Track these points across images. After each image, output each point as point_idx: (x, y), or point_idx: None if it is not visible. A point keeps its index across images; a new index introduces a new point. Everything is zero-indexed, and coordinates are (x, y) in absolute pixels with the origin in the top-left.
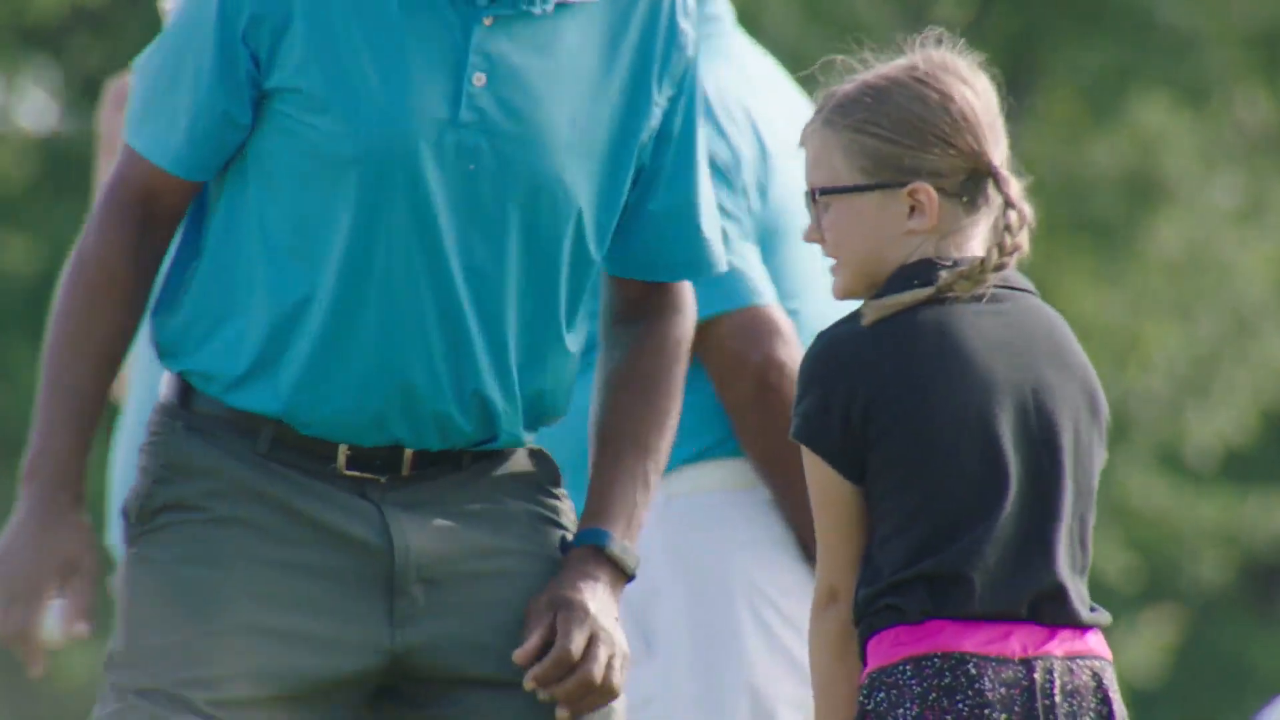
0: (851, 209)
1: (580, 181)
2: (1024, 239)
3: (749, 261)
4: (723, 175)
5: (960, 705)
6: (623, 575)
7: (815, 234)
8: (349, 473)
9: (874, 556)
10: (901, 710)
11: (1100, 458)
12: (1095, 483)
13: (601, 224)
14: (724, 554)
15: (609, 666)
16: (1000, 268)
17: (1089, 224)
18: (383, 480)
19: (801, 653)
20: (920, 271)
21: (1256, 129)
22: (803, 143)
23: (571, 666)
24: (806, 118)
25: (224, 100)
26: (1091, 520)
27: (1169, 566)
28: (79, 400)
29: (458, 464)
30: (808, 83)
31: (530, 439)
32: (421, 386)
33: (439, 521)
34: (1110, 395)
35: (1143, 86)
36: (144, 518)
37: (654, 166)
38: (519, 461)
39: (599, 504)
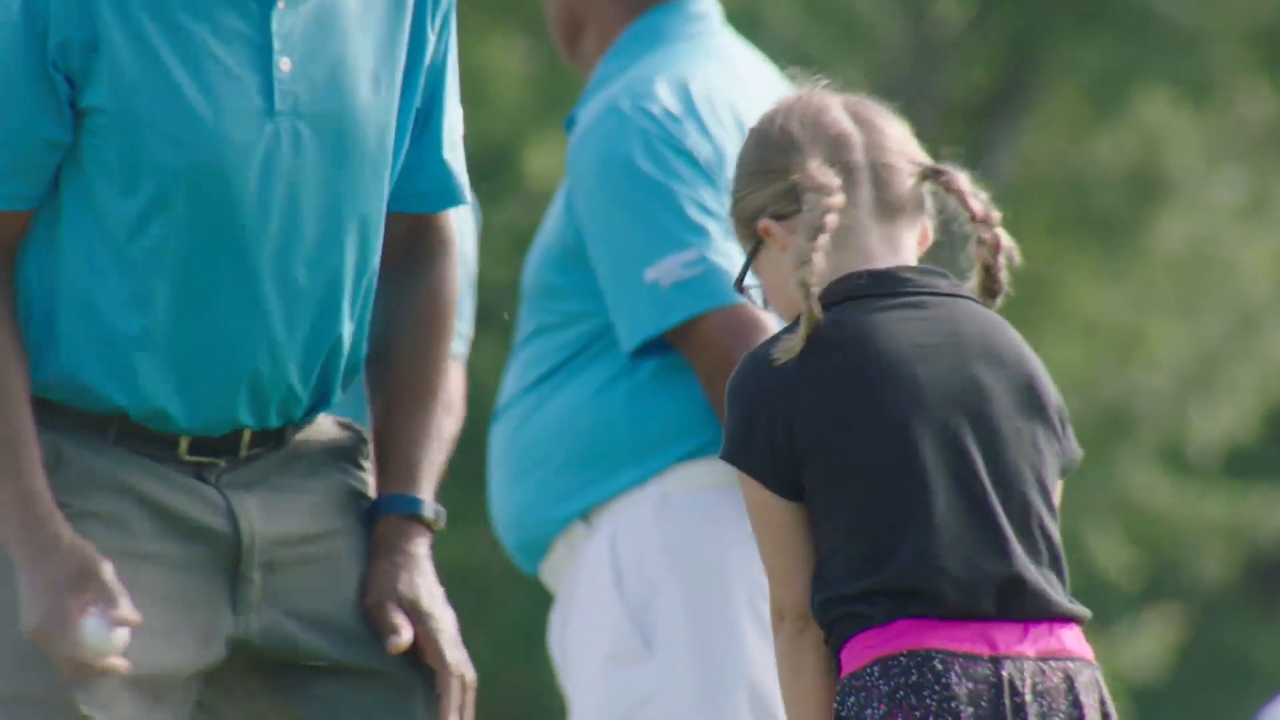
0: (760, 272)
1: (388, 136)
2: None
3: (732, 259)
4: (706, 173)
5: (929, 700)
6: (425, 527)
7: (754, 293)
8: (189, 458)
9: (822, 570)
10: (869, 711)
11: (1051, 448)
12: (1046, 474)
13: (382, 185)
14: (721, 551)
15: (467, 659)
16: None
17: (1092, 221)
18: (222, 464)
19: None
20: (850, 290)
21: (1259, 125)
22: None
23: (468, 686)
24: None
25: (47, 127)
26: (1046, 512)
27: (1172, 564)
28: (9, 443)
29: (281, 439)
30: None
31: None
32: (266, 372)
33: (273, 504)
34: (1113, 392)
35: (1145, 83)
36: None
37: (421, 103)
38: (331, 433)
39: (403, 465)
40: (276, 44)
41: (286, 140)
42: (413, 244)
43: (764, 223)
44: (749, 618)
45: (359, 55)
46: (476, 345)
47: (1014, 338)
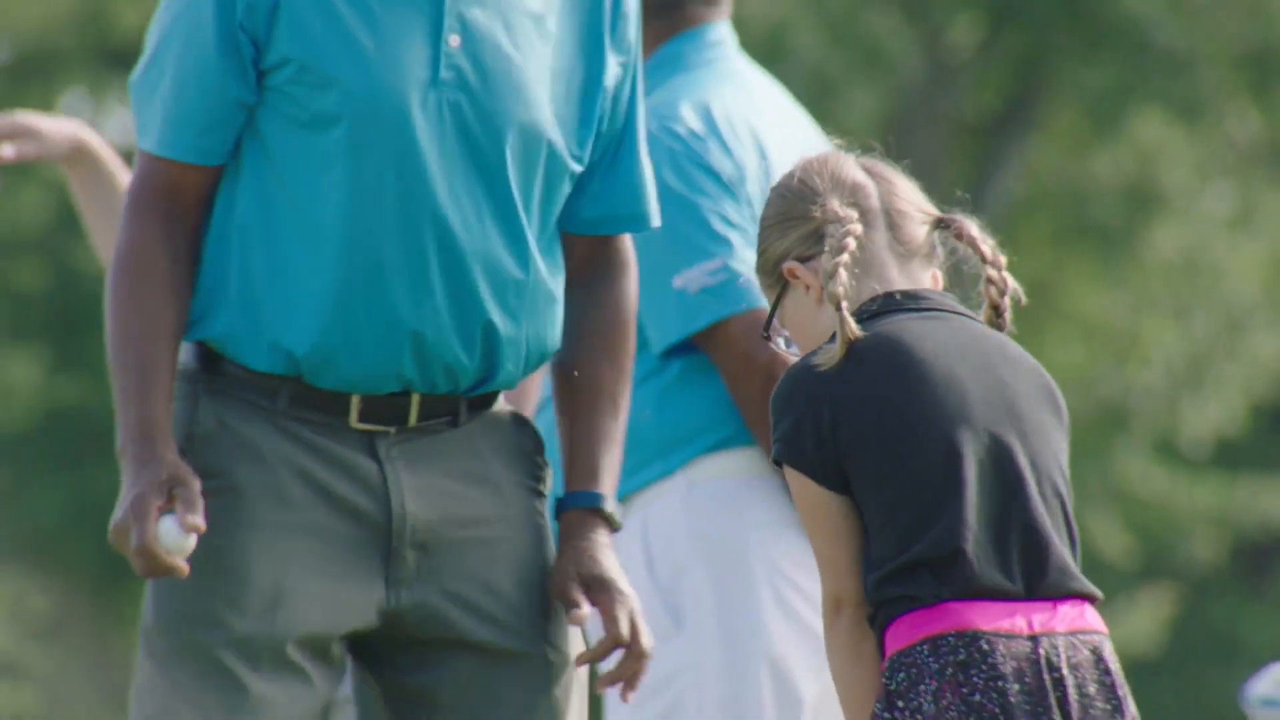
0: (785, 315)
1: (552, 129)
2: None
3: (753, 267)
4: (728, 188)
5: (975, 679)
6: (611, 530)
7: (779, 338)
8: (360, 425)
9: (871, 551)
10: (922, 686)
11: (1063, 445)
12: (1064, 465)
13: (567, 172)
14: (743, 535)
15: (646, 634)
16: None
17: (1092, 230)
18: (392, 432)
19: (816, 623)
20: (875, 310)
21: (1246, 143)
22: None
23: (636, 655)
24: (807, 131)
25: (235, 87)
26: (1069, 498)
27: (1165, 547)
28: (146, 373)
29: (455, 418)
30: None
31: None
32: (429, 331)
33: (434, 487)
34: (1111, 389)
35: (1141, 103)
36: None
37: (608, 130)
38: (506, 426)
39: (587, 465)
40: (447, 21)
41: (447, 109)
42: (596, 263)
43: (789, 264)
44: (769, 597)
45: (532, 52)
46: None
47: (1023, 351)
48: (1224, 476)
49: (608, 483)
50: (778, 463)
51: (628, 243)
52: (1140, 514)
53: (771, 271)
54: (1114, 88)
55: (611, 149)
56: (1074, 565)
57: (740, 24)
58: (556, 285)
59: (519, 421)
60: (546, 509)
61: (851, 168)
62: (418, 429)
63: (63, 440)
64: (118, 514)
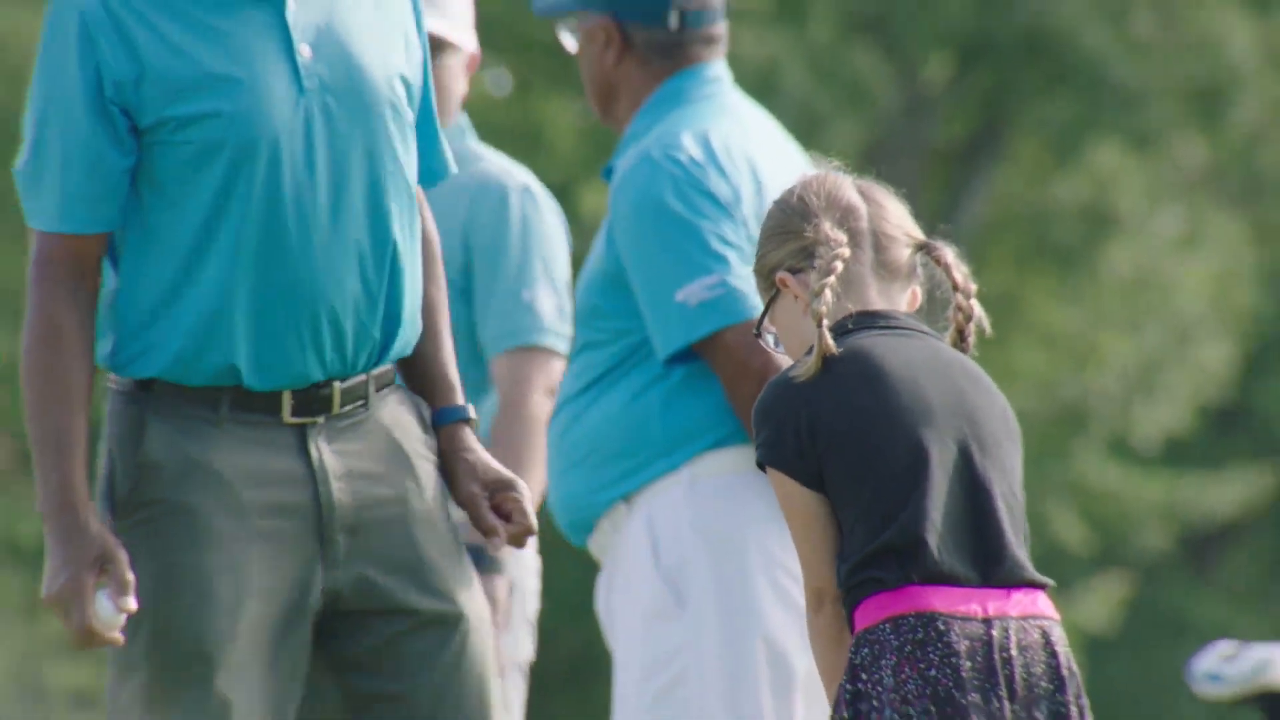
0: (775, 320)
1: (400, 105)
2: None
3: (748, 282)
4: (726, 210)
5: (932, 655)
6: (472, 421)
7: (769, 335)
8: (293, 420)
9: (846, 541)
10: (883, 661)
11: (1016, 454)
12: (1018, 471)
13: (409, 138)
14: (741, 526)
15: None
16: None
17: (1053, 249)
18: (320, 421)
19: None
20: (848, 326)
21: (1194, 170)
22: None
23: (527, 529)
24: (797, 159)
25: (114, 156)
26: (1021, 499)
27: (1119, 537)
28: (63, 438)
29: (365, 400)
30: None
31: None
32: (341, 314)
33: (355, 472)
34: (1070, 394)
35: (1097, 134)
36: (129, 511)
37: (420, 93)
38: (403, 403)
39: (446, 381)
40: (294, 35)
41: (318, 113)
42: None
43: (781, 275)
44: (765, 581)
45: (361, 36)
46: None
47: (982, 371)
48: (1172, 473)
49: (461, 393)
50: (761, 466)
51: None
52: (1096, 506)
53: (767, 277)
54: (1072, 120)
55: (423, 107)
56: (1026, 557)
57: (734, 62)
58: (415, 259)
59: (410, 397)
60: (436, 466)
61: (847, 190)
62: (339, 416)
63: None
64: (53, 587)
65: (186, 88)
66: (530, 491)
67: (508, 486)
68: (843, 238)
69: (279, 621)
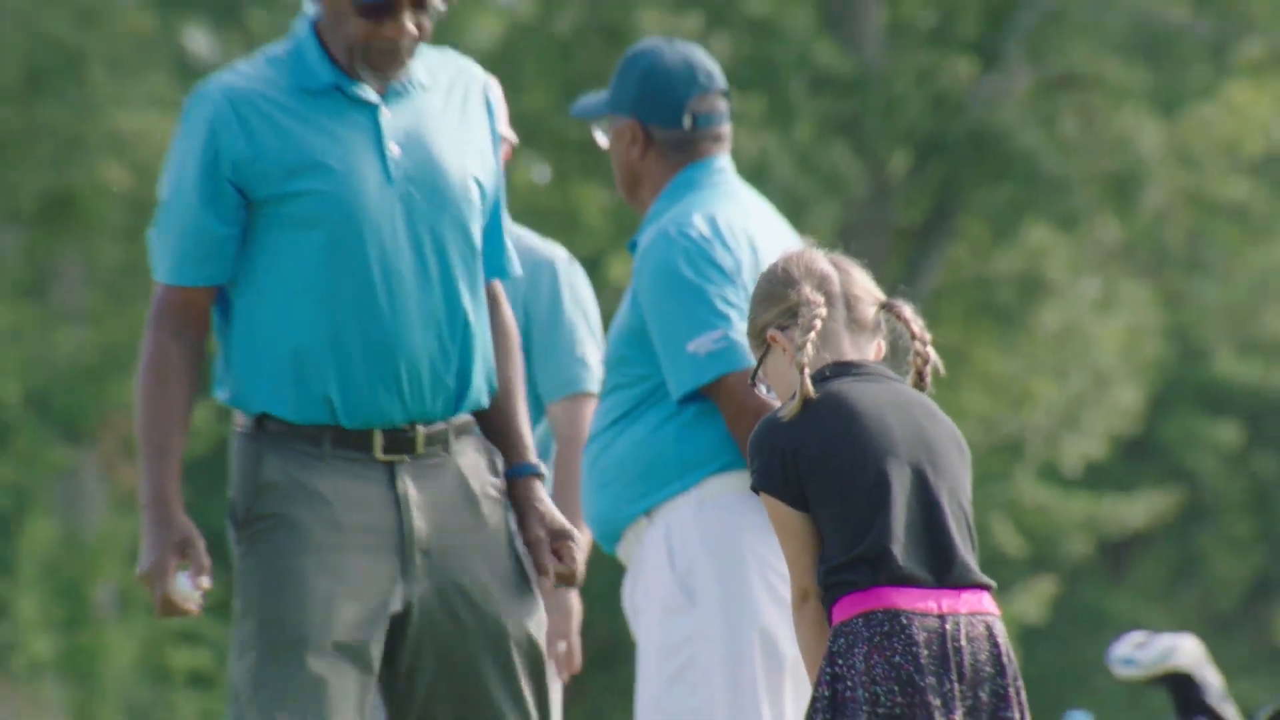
0: (767, 370)
1: (473, 200)
2: (925, 349)
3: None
4: (729, 277)
5: (896, 644)
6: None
7: (762, 384)
8: (384, 457)
9: (823, 553)
10: (856, 649)
11: (967, 477)
12: (968, 491)
13: (480, 222)
14: (740, 536)
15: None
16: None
17: (994, 311)
18: (406, 459)
19: None
20: (826, 374)
21: (1110, 245)
22: None
23: (571, 575)
24: (787, 234)
25: (220, 225)
26: (970, 514)
27: (1048, 545)
28: (163, 449)
29: (446, 445)
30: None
31: (482, 402)
32: (420, 366)
33: (434, 504)
34: (1008, 428)
35: (1031, 216)
36: (247, 524)
37: (492, 197)
38: (479, 451)
39: (519, 442)
40: (385, 135)
41: (402, 200)
42: (487, 294)
43: (771, 332)
44: (760, 583)
45: (443, 142)
46: None
47: (938, 408)
48: (1092, 492)
49: (534, 451)
50: (755, 490)
51: (497, 284)
52: (1029, 520)
53: (758, 335)
54: (1009, 204)
55: (494, 215)
56: (974, 563)
57: (733, 156)
58: (484, 319)
59: (485, 445)
60: (509, 513)
61: (821, 260)
62: (422, 456)
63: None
64: (144, 566)
65: (293, 170)
66: (583, 540)
67: (565, 535)
68: (820, 299)
69: (365, 620)
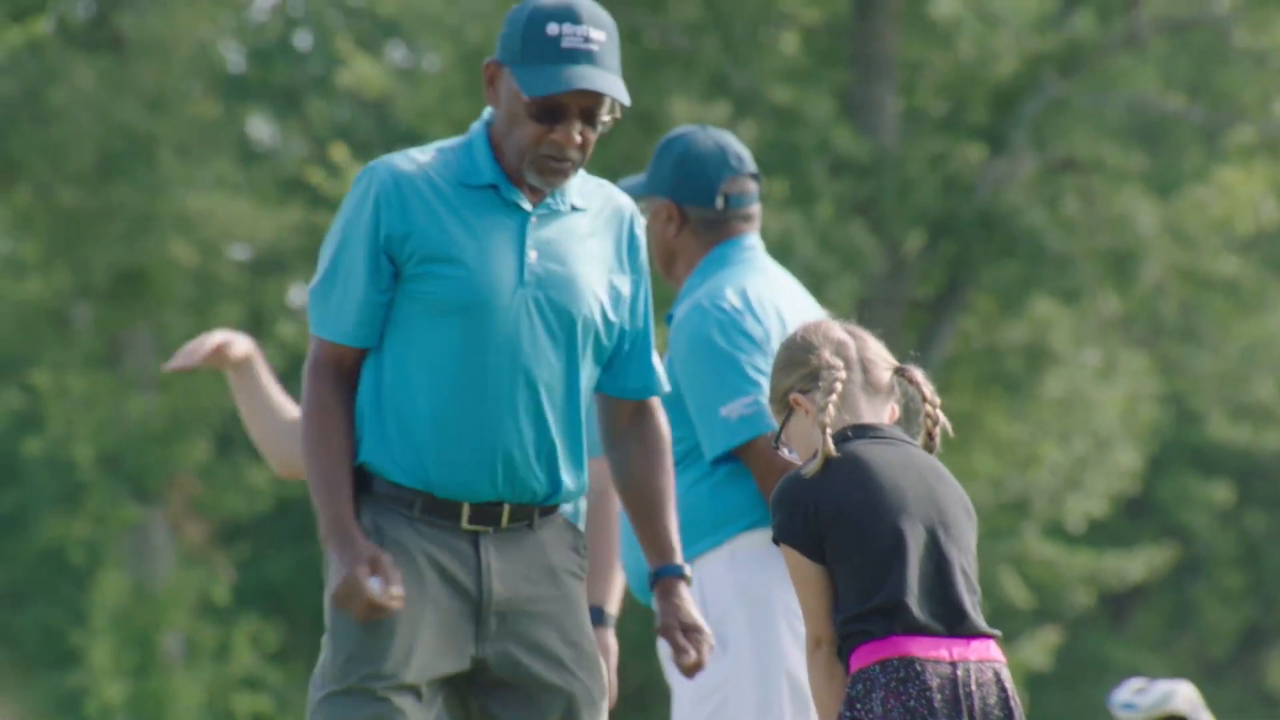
0: (789, 432)
1: (596, 318)
2: (936, 413)
3: None
4: (759, 346)
5: (911, 690)
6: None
7: (785, 447)
8: (468, 526)
9: (839, 603)
10: (874, 694)
11: (973, 536)
12: (973, 549)
13: (604, 347)
14: (769, 587)
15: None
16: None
17: (1002, 379)
18: (490, 531)
19: None
20: (847, 435)
21: (1110, 317)
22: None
23: (696, 664)
24: (812, 307)
25: (376, 293)
26: (975, 570)
27: (1053, 597)
28: (334, 485)
29: (531, 522)
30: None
31: (571, 504)
32: (515, 457)
33: (512, 573)
34: (1016, 488)
35: (1036, 291)
36: None
37: (630, 327)
38: (563, 530)
39: (667, 543)
40: (528, 241)
41: (530, 302)
42: (640, 413)
43: (794, 396)
44: (786, 630)
45: (583, 263)
46: None
47: (947, 470)
48: (1094, 548)
49: (679, 555)
50: (776, 542)
51: (655, 399)
52: (1035, 573)
53: (781, 400)
54: (1016, 280)
55: (640, 339)
56: (979, 615)
57: (760, 233)
58: (581, 430)
59: (570, 527)
60: (584, 587)
61: (837, 329)
62: (506, 530)
63: (290, 521)
64: (337, 585)
65: (433, 256)
66: (712, 639)
67: (697, 630)
68: (839, 362)
69: (438, 666)
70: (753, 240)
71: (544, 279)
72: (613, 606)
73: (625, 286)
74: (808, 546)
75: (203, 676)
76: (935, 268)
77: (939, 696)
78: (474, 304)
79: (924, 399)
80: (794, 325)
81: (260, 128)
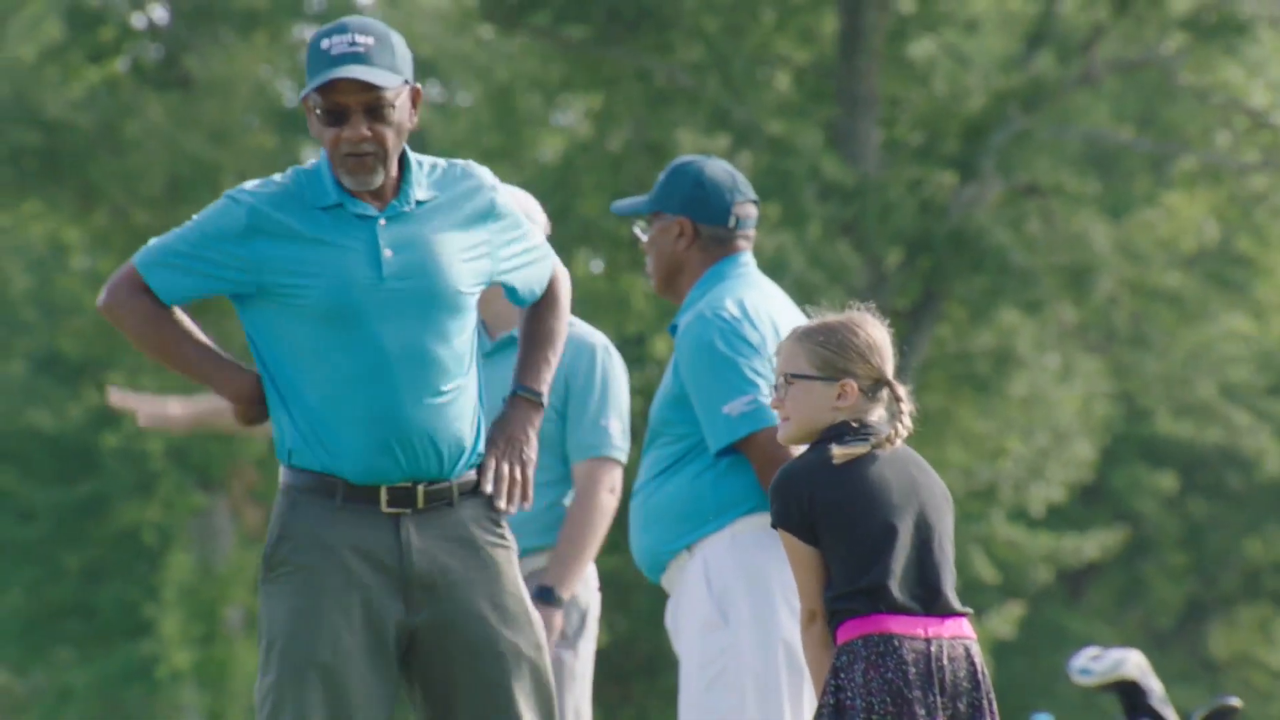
0: (804, 389)
1: (463, 290)
2: (909, 422)
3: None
4: (756, 351)
5: (889, 663)
6: (535, 404)
7: (778, 402)
8: (388, 510)
9: (830, 583)
10: (856, 666)
11: (950, 522)
12: (951, 534)
13: (469, 304)
14: (767, 566)
15: (512, 465)
16: (899, 436)
17: (973, 380)
18: (408, 512)
19: None
20: (842, 431)
21: (1068, 325)
22: (778, 351)
23: (508, 480)
24: (799, 317)
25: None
26: (952, 553)
27: (1017, 574)
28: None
29: (450, 500)
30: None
31: (473, 472)
32: (409, 434)
33: (432, 549)
34: (984, 477)
35: (1002, 302)
36: (271, 568)
37: (505, 268)
38: (483, 507)
39: (534, 370)
40: (381, 242)
41: (393, 295)
42: (540, 301)
43: (848, 382)
44: (783, 604)
45: (439, 246)
46: (630, 456)
47: (927, 463)
48: (1054, 531)
49: (533, 379)
50: (774, 527)
51: (553, 280)
52: (1002, 553)
53: (833, 369)
54: (984, 292)
55: (521, 276)
56: (954, 595)
57: (755, 251)
58: (472, 392)
59: (490, 504)
60: (512, 555)
61: (887, 338)
62: (426, 510)
63: None
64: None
65: (295, 269)
66: (520, 453)
67: (496, 438)
68: (905, 394)
69: (370, 646)
70: (748, 258)
71: (402, 270)
72: (564, 590)
73: (485, 240)
74: (802, 532)
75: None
76: (912, 281)
77: (914, 670)
78: (339, 306)
79: (897, 398)
80: (785, 332)
81: (313, 157)
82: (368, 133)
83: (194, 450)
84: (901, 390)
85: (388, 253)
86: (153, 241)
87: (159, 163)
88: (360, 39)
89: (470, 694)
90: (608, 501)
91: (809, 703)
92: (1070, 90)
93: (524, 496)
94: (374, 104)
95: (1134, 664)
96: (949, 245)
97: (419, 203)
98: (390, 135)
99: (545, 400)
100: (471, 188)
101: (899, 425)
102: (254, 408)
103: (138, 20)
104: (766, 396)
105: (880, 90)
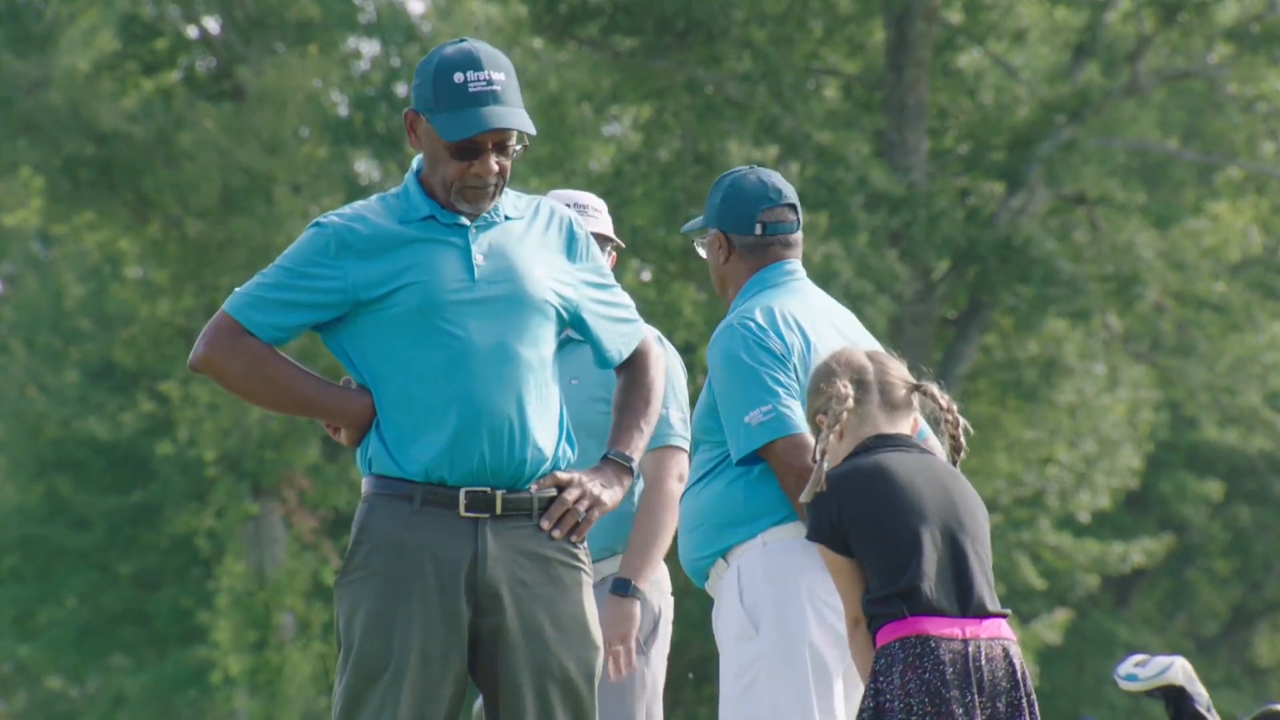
0: (823, 446)
1: (549, 299)
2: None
3: (794, 410)
4: (780, 361)
5: (926, 664)
6: (625, 469)
7: (824, 459)
8: (466, 515)
9: (868, 589)
10: (894, 668)
11: (986, 528)
12: (987, 539)
13: (563, 320)
14: (796, 575)
15: (580, 502)
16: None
17: (1019, 389)
18: (486, 518)
19: (839, 625)
20: (876, 444)
21: (1114, 334)
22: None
23: (569, 511)
24: (855, 330)
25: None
26: (988, 558)
27: (1065, 581)
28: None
29: (529, 513)
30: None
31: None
32: (495, 419)
33: (505, 559)
34: (1031, 486)
35: (1050, 310)
36: (346, 572)
37: (591, 310)
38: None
39: (618, 435)
40: (473, 249)
41: (484, 297)
42: (627, 365)
43: (819, 417)
44: (811, 611)
45: (526, 257)
46: None
47: (959, 472)
48: (1100, 538)
49: (625, 445)
50: (809, 539)
51: (641, 348)
52: (1049, 560)
53: (810, 421)
54: (1032, 301)
55: (596, 320)
56: (991, 596)
57: (803, 261)
58: (554, 404)
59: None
60: (583, 578)
61: (860, 357)
62: (503, 518)
63: None
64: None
65: (387, 277)
66: (583, 498)
67: (567, 484)
68: (849, 392)
69: (442, 649)
70: (794, 266)
71: (494, 275)
72: (641, 581)
73: (571, 272)
74: (835, 543)
75: (313, 651)
76: (960, 290)
77: (951, 670)
78: (432, 307)
79: (940, 408)
80: (823, 341)
81: (364, 166)
82: (495, 167)
83: (247, 458)
84: (845, 389)
85: (479, 258)
86: (238, 290)
87: (212, 173)
88: (495, 76)
89: (507, 705)
90: (677, 490)
91: (841, 701)
92: (1116, 101)
93: (572, 530)
94: (505, 140)
95: (1179, 670)
96: (996, 254)
97: (507, 218)
98: (509, 166)
99: (636, 467)
100: (557, 220)
101: (946, 422)
102: (369, 428)
103: (192, 32)
104: (788, 405)
105: (928, 100)
